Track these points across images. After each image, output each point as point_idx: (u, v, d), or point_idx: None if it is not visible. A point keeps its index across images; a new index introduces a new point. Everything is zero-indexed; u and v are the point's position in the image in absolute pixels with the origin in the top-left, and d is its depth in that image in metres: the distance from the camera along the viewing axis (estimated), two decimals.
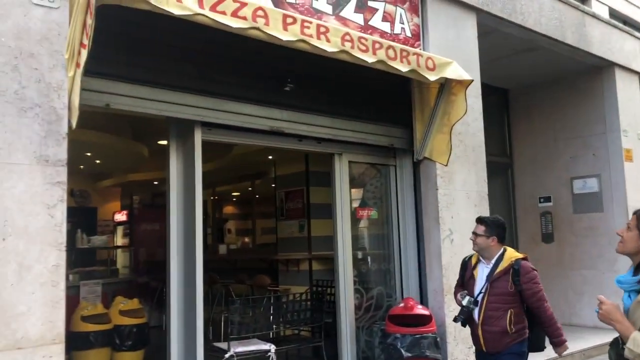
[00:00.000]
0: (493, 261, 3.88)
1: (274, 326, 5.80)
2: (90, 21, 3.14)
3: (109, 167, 12.21)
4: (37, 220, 3.24)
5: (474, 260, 4.02)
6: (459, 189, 5.92)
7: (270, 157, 9.12)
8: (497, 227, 3.94)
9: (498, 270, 3.81)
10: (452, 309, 5.60)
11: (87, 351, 6.39)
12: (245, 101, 4.70)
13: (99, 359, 6.52)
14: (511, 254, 3.89)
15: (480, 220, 3.99)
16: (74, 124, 3.32)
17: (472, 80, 5.16)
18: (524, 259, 3.89)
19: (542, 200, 9.23)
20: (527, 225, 9.39)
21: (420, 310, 5.38)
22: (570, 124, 8.91)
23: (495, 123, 9.11)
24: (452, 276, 5.66)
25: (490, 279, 3.80)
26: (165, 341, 4.57)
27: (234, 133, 4.80)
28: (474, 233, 3.94)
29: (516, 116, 9.65)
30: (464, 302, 3.85)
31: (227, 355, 4.99)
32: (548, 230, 9.14)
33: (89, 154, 9.59)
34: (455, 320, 3.96)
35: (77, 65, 3.27)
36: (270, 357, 5.18)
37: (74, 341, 6.37)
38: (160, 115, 4.28)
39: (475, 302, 3.81)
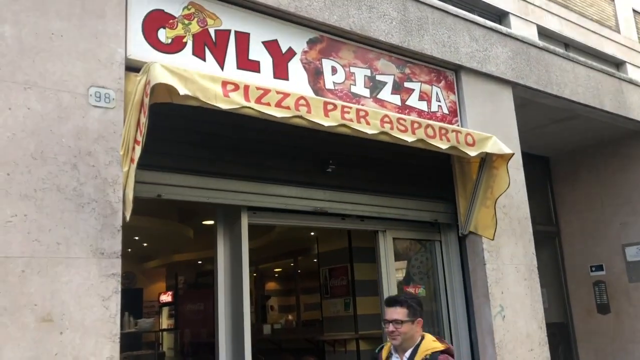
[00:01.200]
0: (408, 354, 3.14)
1: None
2: (143, 119, 3.33)
3: (155, 249, 12.47)
4: (92, 312, 3.32)
5: (384, 354, 3.30)
6: (508, 263, 5.79)
7: (312, 233, 9.18)
8: (419, 304, 3.25)
9: None
10: None
11: None
12: (289, 184, 4.81)
13: None
14: (428, 344, 3.14)
15: (394, 302, 3.24)
16: (127, 217, 3.45)
17: (513, 154, 5.17)
18: (445, 351, 3.12)
19: (593, 269, 8.91)
20: (580, 296, 9.02)
21: None
22: (617, 189, 8.71)
23: (538, 192, 8.99)
24: (506, 355, 5.45)
25: None
26: None
27: (279, 215, 4.88)
28: (392, 321, 3.16)
29: (560, 184, 9.51)
30: None
31: None
32: (603, 300, 8.76)
33: (136, 238, 9.84)
34: None
35: (132, 160, 3.44)
36: None
37: None
38: (208, 203, 4.41)
39: None
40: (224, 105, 3.50)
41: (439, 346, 3.12)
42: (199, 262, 13.14)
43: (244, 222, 4.59)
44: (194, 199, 4.28)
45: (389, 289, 5.45)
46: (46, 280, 3.21)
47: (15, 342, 3.06)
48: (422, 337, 3.18)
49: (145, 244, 10.81)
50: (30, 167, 3.29)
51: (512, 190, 5.90)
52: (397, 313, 3.15)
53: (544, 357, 5.79)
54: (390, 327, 3.13)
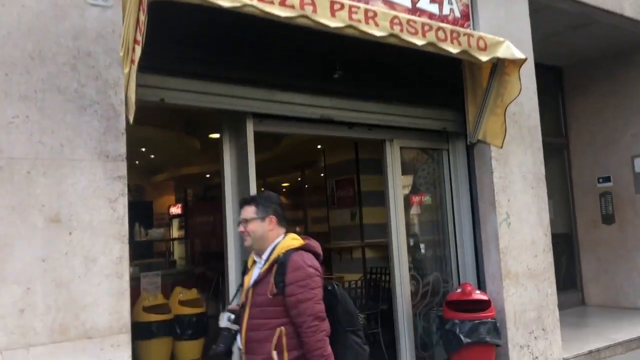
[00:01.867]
0: (265, 255, 2.87)
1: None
2: (142, 18, 3.19)
3: (162, 162, 12.53)
4: (100, 214, 3.35)
5: (249, 262, 3.03)
6: (515, 172, 5.77)
7: (319, 146, 9.15)
8: (272, 202, 2.96)
9: (263, 267, 2.81)
10: (511, 294, 5.50)
11: (149, 340, 6.59)
12: (295, 90, 4.71)
13: (161, 348, 6.72)
14: (285, 243, 2.85)
15: (243, 202, 3.02)
16: (131, 119, 3.40)
17: (526, 59, 5.00)
18: (302, 248, 2.83)
19: (601, 180, 8.90)
20: (586, 207, 9.08)
21: (478, 295, 5.30)
22: (630, 100, 8.54)
23: (549, 103, 8.82)
24: (510, 260, 5.54)
25: (254, 282, 2.82)
26: None
27: (285, 123, 4.82)
28: (242, 221, 2.94)
29: (571, 95, 9.32)
30: (222, 323, 2.90)
31: None
32: (608, 211, 8.81)
33: (143, 149, 9.85)
34: (211, 354, 2.91)
35: (132, 61, 3.34)
36: None
37: (137, 331, 6.56)
38: (213, 108, 4.34)
39: (237, 320, 2.84)
40: (225, 3, 3.34)
41: (295, 244, 2.84)
42: (207, 175, 13.25)
43: (250, 129, 4.53)
44: (198, 104, 4.21)
45: (395, 198, 5.47)
46: (52, 181, 3.22)
47: (26, 241, 3.10)
48: (285, 235, 2.93)
49: (152, 156, 10.84)
50: (28, 68, 3.21)
51: (523, 97, 5.77)
52: (246, 212, 2.93)
53: (548, 263, 5.89)
54: (240, 228, 2.94)
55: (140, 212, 12.56)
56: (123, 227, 3.42)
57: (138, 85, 3.33)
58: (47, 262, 3.15)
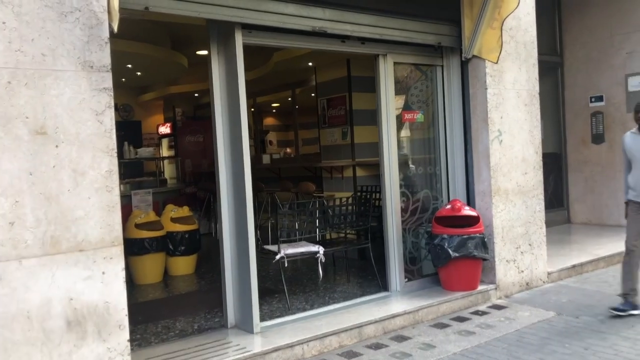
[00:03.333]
0: None
1: (321, 230, 5.90)
2: None
3: (150, 80, 12.27)
4: (87, 126, 3.26)
5: None
6: (509, 88, 5.69)
7: (310, 63, 8.93)
8: None
9: None
10: (499, 210, 5.56)
11: (143, 256, 6.70)
12: (286, 0, 4.51)
13: (154, 263, 6.85)
14: None
15: None
16: (115, 28, 3.25)
17: None
18: None
19: (593, 100, 8.85)
20: (577, 126, 9.08)
21: (467, 211, 5.36)
22: (628, 16, 8.34)
23: (545, 21, 8.61)
24: (500, 177, 5.57)
25: None
26: (215, 247, 4.70)
27: (275, 35, 4.65)
28: None
29: (568, 13, 9.08)
30: None
31: (277, 257, 5.13)
32: (599, 130, 8.83)
33: (129, 66, 9.60)
34: None
35: None
36: (319, 259, 5.30)
37: (130, 247, 6.67)
38: (199, 17, 4.15)
39: None
40: None
41: None
42: (196, 94, 13.02)
43: (239, 41, 4.38)
44: (184, 13, 4.01)
45: (388, 116, 5.39)
46: (35, 92, 3.11)
47: (11, 153, 3.03)
48: None
49: (139, 73, 10.57)
50: None
51: (521, 11, 5.61)
52: None
53: (537, 181, 5.93)
54: None
55: (129, 131, 12.43)
56: (111, 140, 3.35)
57: None
58: (35, 175, 3.10)
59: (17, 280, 3.05)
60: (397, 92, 5.53)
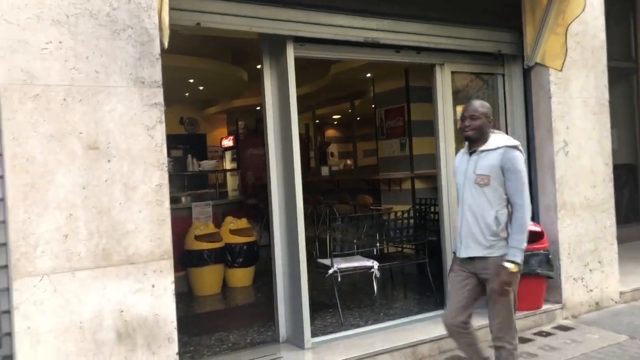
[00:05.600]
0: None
1: (377, 244, 5.78)
2: None
3: (212, 94, 12.55)
4: (138, 141, 3.32)
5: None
6: (576, 96, 5.39)
7: (368, 74, 8.86)
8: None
9: None
10: (565, 225, 5.26)
11: (202, 268, 6.79)
12: (338, 12, 4.46)
13: (213, 275, 6.92)
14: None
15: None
16: (166, 44, 3.29)
17: None
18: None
19: None
20: None
21: (531, 226, 5.09)
22: None
23: (617, 24, 8.15)
24: (566, 190, 5.28)
25: None
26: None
27: (327, 47, 4.60)
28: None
29: None
30: None
31: (330, 271, 5.05)
32: None
33: (191, 81, 9.83)
34: None
35: None
36: (374, 274, 5.18)
37: (190, 259, 6.78)
38: (250, 32, 4.17)
39: None
40: None
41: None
42: (257, 107, 13.18)
43: (290, 54, 4.37)
44: (236, 28, 4.04)
45: (445, 127, 5.23)
46: (89, 108, 3.19)
47: (66, 168, 3.12)
48: None
49: (201, 88, 10.83)
50: None
51: (588, 15, 5.32)
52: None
53: (607, 194, 5.58)
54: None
55: (194, 145, 12.73)
56: (162, 154, 3.40)
57: (173, 9, 3.22)
58: (88, 189, 3.17)
59: (70, 292, 3.12)
60: (458, 101, 5.35)
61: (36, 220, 3.04)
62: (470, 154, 3.33)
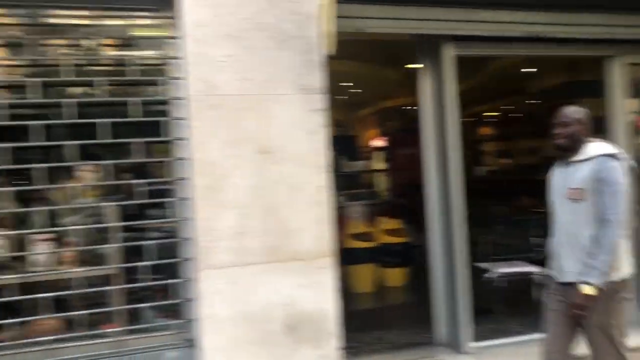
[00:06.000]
0: None
1: (539, 249, 5.48)
2: None
3: (365, 96, 12.75)
4: (302, 145, 3.51)
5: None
6: None
7: (529, 69, 8.44)
8: None
9: None
10: None
11: (357, 266, 6.96)
12: (497, 7, 4.32)
13: (366, 273, 7.06)
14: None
15: None
16: (329, 52, 3.45)
17: None
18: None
19: None
20: None
21: None
22: None
23: None
24: None
25: None
26: (427, 260, 4.66)
27: (486, 44, 4.47)
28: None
29: None
30: None
31: (490, 275, 4.91)
32: None
33: (343, 84, 10.09)
34: None
35: None
36: (535, 280, 4.94)
37: (345, 257, 6.96)
38: (409, 34, 4.21)
39: None
40: None
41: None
42: (407, 107, 13.15)
43: (448, 53, 4.33)
44: (394, 31, 4.11)
45: (618, 124, 4.83)
46: (259, 115, 3.45)
47: (240, 171, 3.40)
48: None
49: (353, 91, 11.07)
50: (234, 7, 3.41)
51: None
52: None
53: None
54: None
55: (346, 145, 13.03)
56: (323, 157, 3.56)
57: (334, 16, 3.35)
58: (258, 190, 3.43)
59: (244, 284, 3.39)
60: (635, 95, 4.90)
61: (216, 217, 3.35)
62: (565, 165, 2.99)
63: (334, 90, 3.61)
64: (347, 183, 10.24)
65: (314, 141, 3.53)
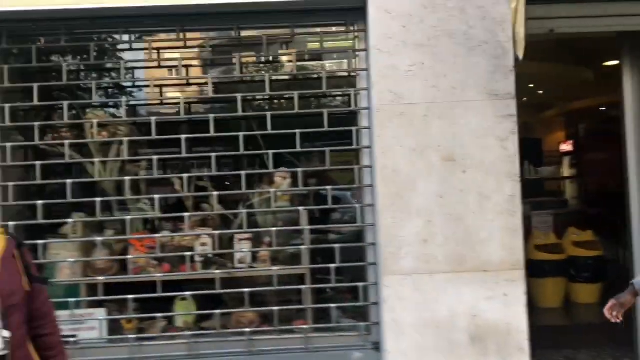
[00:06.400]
0: None
1: None
2: None
3: (552, 97, 11.98)
4: (491, 152, 3.42)
5: None
6: None
7: None
8: None
9: None
10: None
11: (542, 279, 6.55)
12: None
13: (554, 288, 6.62)
14: None
15: None
16: (520, 56, 3.32)
17: None
18: None
19: None
20: None
21: None
22: None
23: None
24: None
25: None
26: (623, 276, 4.25)
27: None
28: None
29: None
30: None
31: None
32: None
33: (531, 85, 9.59)
34: None
35: None
36: None
37: (530, 269, 6.60)
38: (609, 32, 3.88)
39: None
40: None
41: None
42: (602, 108, 12.06)
43: None
44: (591, 30, 3.82)
45: None
46: (445, 123, 3.43)
47: (425, 178, 3.42)
48: None
49: (540, 92, 10.45)
50: (421, 17, 3.44)
51: None
52: None
53: None
54: None
55: (530, 150, 12.33)
56: (514, 165, 3.44)
57: (526, 19, 3.22)
58: (444, 198, 3.41)
59: (428, 292, 3.40)
60: None
61: (400, 224, 3.40)
62: None
63: (519, 92, 3.46)
64: (533, 190, 9.71)
65: (503, 148, 3.42)
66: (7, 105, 3.70)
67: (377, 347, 3.56)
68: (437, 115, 3.43)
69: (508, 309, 3.38)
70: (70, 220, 3.82)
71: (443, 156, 3.43)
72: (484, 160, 3.41)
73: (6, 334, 1.71)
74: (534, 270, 6.57)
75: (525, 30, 3.22)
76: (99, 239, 3.83)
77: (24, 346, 1.88)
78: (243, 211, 3.82)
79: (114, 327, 3.79)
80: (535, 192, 9.94)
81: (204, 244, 3.92)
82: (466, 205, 3.41)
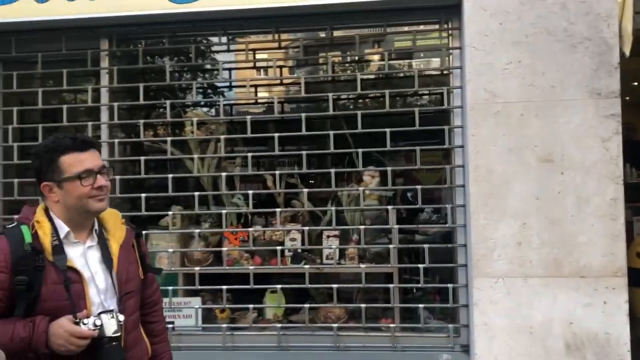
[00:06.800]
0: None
1: None
2: None
3: None
4: (592, 153, 3.27)
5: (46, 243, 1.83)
6: None
7: None
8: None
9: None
10: None
11: None
12: None
13: None
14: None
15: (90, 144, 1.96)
16: (627, 52, 3.15)
17: None
18: None
19: None
20: None
21: None
22: None
23: None
24: None
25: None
26: None
27: None
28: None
29: None
30: None
31: None
32: None
33: (635, 84, 9.02)
34: None
35: None
36: None
37: (631, 277, 6.22)
38: None
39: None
40: None
41: None
42: None
43: None
44: None
45: None
46: (543, 122, 3.31)
47: (521, 179, 3.31)
48: None
49: None
50: (519, 13, 3.34)
51: None
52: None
53: None
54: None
55: (631, 152, 11.59)
56: (617, 167, 3.27)
57: (634, 13, 3.05)
58: (540, 199, 3.29)
59: (522, 296, 3.30)
60: None
61: (493, 226, 3.33)
62: None
63: (622, 90, 3.28)
64: (633, 194, 9.13)
65: (605, 149, 3.25)
66: (115, 104, 3.96)
67: (466, 349, 3.50)
68: (535, 114, 3.32)
69: (608, 318, 3.22)
70: (170, 212, 4.03)
71: (540, 157, 3.31)
72: (584, 161, 3.27)
73: (121, 317, 1.84)
74: (634, 278, 6.19)
75: (632, 25, 3.06)
76: (196, 231, 4.02)
77: (136, 330, 2.03)
78: (332, 208, 3.87)
79: (208, 316, 3.97)
80: (636, 197, 9.34)
81: (293, 239, 4.02)
82: (564, 208, 3.27)
